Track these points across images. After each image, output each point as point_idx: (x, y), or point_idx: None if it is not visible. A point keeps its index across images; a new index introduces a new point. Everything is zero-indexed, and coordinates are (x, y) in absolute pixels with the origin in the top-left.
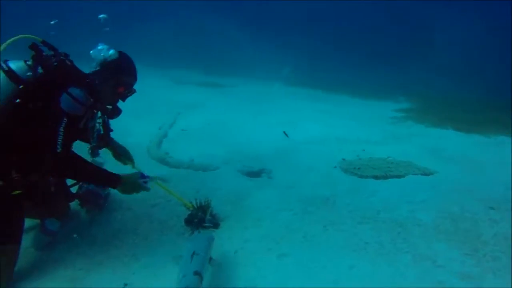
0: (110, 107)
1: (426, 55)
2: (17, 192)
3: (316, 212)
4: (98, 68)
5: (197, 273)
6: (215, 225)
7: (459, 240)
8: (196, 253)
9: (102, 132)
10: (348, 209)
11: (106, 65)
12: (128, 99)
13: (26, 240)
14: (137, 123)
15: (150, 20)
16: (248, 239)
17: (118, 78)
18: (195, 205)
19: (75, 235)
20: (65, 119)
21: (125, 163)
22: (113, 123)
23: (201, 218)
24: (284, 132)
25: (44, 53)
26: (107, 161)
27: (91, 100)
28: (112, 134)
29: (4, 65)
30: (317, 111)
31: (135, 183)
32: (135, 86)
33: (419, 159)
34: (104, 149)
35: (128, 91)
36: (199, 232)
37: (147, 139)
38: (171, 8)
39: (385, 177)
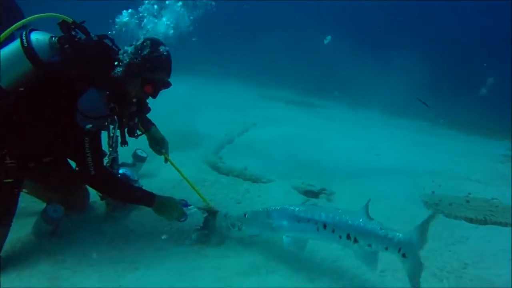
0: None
1: None
2: (8, 180)
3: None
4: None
5: None
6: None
7: None
8: None
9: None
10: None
11: (131, 60)
12: (213, 107)
13: (30, 225)
14: (208, 126)
15: (251, 36)
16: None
17: (145, 75)
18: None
19: None
20: (86, 138)
21: (160, 154)
22: (186, 118)
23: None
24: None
25: (76, 38)
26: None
27: (112, 105)
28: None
29: (24, 38)
30: (414, 142)
31: (172, 206)
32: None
33: None
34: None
35: (157, 88)
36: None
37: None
38: (272, 24)
39: (484, 222)
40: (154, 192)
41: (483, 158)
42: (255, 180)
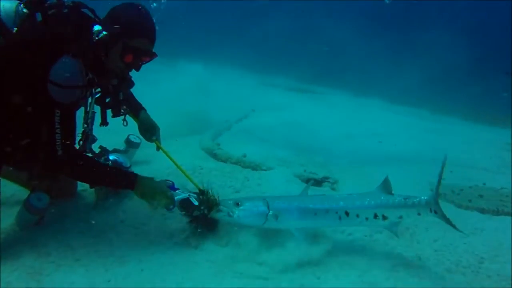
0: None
1: None
2: None
3: (382, 245)
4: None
5: None
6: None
7: None
8: None
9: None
10: (434, 248)
11: (109, 26)
12: (215, 93)
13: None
14: (210, 111)
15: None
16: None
17: (124, 43)
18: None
19: None
20: (57, 111)
21: (151, 141)
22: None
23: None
24: None
25: (47, 3)
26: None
27: (90, 76)
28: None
29: None
30: (417, 129)
31: (159, 191)
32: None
33: None
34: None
35: (140, 58)
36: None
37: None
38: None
39: (497, 212)
40: None
41: (488, 146)
42: (254, 167)
